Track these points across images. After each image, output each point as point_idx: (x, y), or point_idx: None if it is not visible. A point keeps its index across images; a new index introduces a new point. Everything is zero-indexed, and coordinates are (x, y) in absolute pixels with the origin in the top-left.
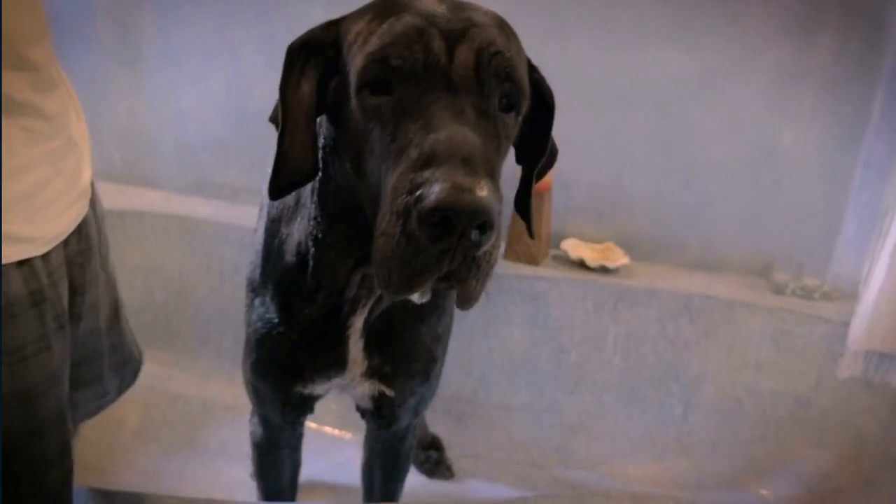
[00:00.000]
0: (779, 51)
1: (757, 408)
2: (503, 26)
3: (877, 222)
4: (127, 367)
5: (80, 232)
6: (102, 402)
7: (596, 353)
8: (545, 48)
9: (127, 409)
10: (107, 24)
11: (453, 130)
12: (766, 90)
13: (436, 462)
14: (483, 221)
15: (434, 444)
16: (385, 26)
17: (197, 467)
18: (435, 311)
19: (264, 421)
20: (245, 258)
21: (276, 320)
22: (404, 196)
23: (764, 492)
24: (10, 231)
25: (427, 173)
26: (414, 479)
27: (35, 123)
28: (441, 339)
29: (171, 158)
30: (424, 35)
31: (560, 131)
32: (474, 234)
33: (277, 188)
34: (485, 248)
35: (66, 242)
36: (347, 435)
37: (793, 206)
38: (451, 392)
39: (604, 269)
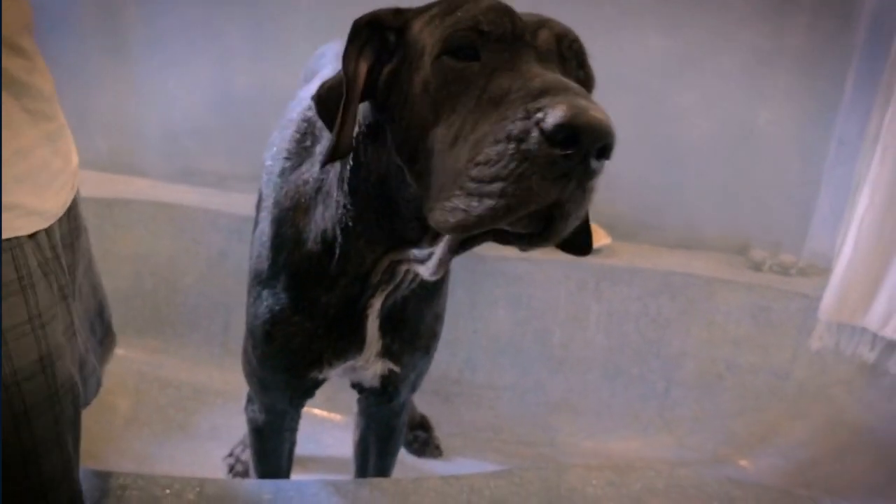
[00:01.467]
0: (753, 32)
1: (736, 382)
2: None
3: (850, 198)
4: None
5: (70, 212)
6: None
7: (579, 332)
8: None
9: (118, 395)
10: (91, 12)
11: (559, 78)
12: (741, 71)
13: (424, 442)
14: (606, 144)
15: (422, 425)
16: (467, 6)
17: (189, 452)
18: (437, 290)
19: (268, 408)
20: (233, 245)
21: (289, 310)
22: (521, 121)
23: (743, 462)
24: (24, 203)
25: (545, 101)
26: (403, 459)
27: (37, 105)
28: (440, 317)
29: (157, 146)
30: (510, 12)
31: None
32: (594, 160)
33: (334, 159)
34: (599, 176)
35: (59, 220)
36: (337, 417)
37: (769, 185)
38: (438, 372)
39: None
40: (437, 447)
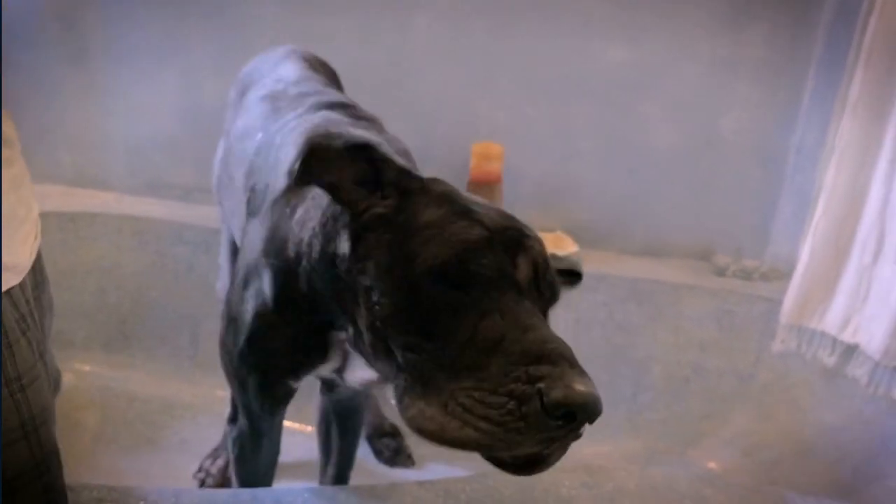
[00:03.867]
0: (714, 42)
1: (702, 385)
2: (541, 240)
3: (809, 205)
4: None
5: (35, 263)
6: None
7: None
8: (490, 44)
9: (85, 412)
10: (52, 23)
11: (548, 332)
12: (703, 80)
13: (395, 450)
14: (596, 416)
15: (392, 433)
16: (459, 228)
17: (159, 466)
18: None
19: (246, 412)
20: (199, 258)
21: (273, 307)
22: (523, 384)
23: (711, 464)
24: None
25: (545, 369)
26: (375, 469)
27: (5, 152)
28: None
29: (122, 159)
30: (494, 246)
31: (508, 124)
32: (582, 428)
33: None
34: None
35: (28, 273)
36: (308, 428)
37: (731, 192)
38: None
39: (554, 258)
40: (409, 456)
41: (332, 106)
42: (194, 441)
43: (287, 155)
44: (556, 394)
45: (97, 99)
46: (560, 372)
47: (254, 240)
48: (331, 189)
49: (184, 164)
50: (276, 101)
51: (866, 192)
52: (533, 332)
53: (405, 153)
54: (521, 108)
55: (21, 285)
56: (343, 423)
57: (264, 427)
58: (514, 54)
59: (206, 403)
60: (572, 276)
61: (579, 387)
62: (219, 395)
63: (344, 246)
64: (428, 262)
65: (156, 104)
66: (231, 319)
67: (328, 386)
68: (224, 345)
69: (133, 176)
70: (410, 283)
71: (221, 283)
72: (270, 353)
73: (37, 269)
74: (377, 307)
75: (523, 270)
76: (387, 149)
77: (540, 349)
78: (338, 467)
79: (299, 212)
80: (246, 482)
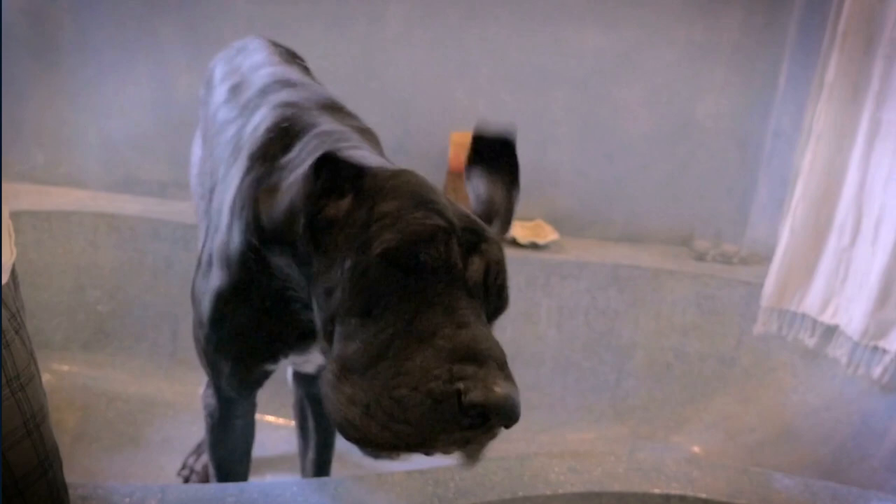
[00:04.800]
0: (689, 27)
1: (685, 370)
2: (501, 246)
3: (787, 188)
4: None
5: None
6: None
7: (530, 327)
8: (465, 32)
9: (65, 411)
10: (18, 18)
11: (482, 332)
12: (679, 65)
13: None
14: (513, 421)
15: None
16: (414, 218)
17: (142, 465)
18: None
19: (219, 392)
20: (177, 253)
21: (238, 292)
22: (443, 383)
23: (695, 448)
24: None
25: (470, 369)
26: (360, 462)
27: None
28: None
29: (95, 156)
30: (448, 239)
31: (487, 112)
32: (497, 428)
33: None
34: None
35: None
36: (281, 421)
37: (709, 177)
38: None
39: (534, 246)
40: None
41: (285, 105)
42: (176, 439)
43: (241, 163)
44: (474, 395)
45: (69, 96)
46: (483, 373)
47: (218, 229)
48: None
49: (158, 159)
50: (236, 105)
51: (843, 174)
52: (467, 330)
53: (366, 131)
54: (498, 97)
55: (8, 285)
56: (318, 410)
57: (237, 407)
58: (489, 42)
59: (188, 401)
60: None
61: (498, 389)
62: (200, 391)
63: (301, 247)
64: (380, 247)
65: (128, 100)
66: (196, 305)
67: (299, 374)
68: (196, 329)
69: (107, 173)
70: (363, 270)
71: None
72: (234, 338)
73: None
74: (332, 300)
75: (475, 271)
76: (345, 153)
77: (469, 348)
78: (317, 453)
79: None
80: (221, 465)
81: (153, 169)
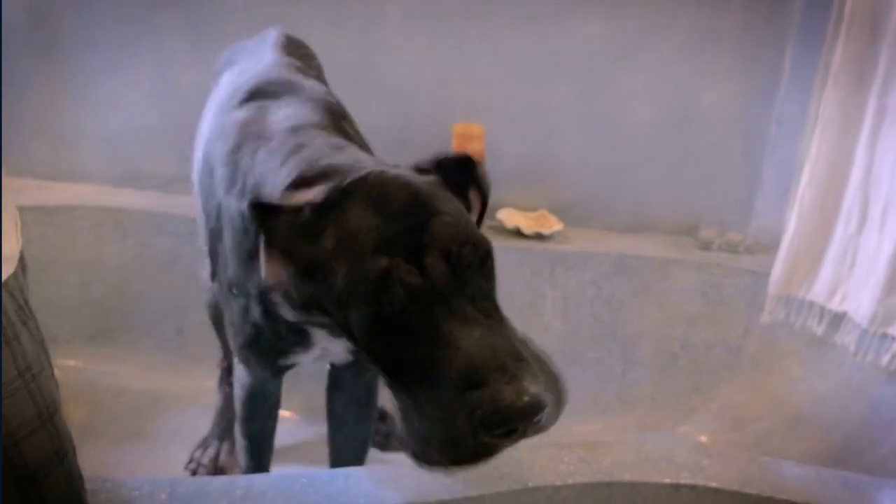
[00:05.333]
0: (692, 14)
1: (691, 359)
2: (449, 200)
3: (792, 176)
4: None
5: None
6: None
7: (535, 318)
8: (466, 22)
9: (72, 406)
10: (20, 14)
11: (469, 342)
12: (682, 53)
13: (386, 434)
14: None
15: (381, 416)
16: (363, 265)
17: (149, 458)
18: None
19: (250, 369)
20: (182, 248)
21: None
22: (462, 422)
23: (703, 438)
24: None
25: (475, 396)
26: (370, 455)
27: None
28: None
29: (99, 150)
30: (397, 272)
31: (489, 103)
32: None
33: None
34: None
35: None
36: (286, 414)
37: (713, 165)
38: None
39: (539, 236)
40: (400, 439)
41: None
42: (183, 432)
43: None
44: (493, 419)
45: (72, 90)
46: (491, 392)
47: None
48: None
49: (162, 153)
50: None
51: (850, 160)
52: (454, 351)
53: (333, 106)
54: (499, 87)
55: (15, 275)
56: (362, 412)
57: (269, 386)
58: (490, 32)
59: (194, 394)
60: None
61: (515, 399)
62: (206, 385)
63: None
64: (343, 283)
65: (131, 94)
66: (224, 302)
67: (338, 375)
68: (230, 324)
69: (111, 167)
70: (352, 284)
71: (207, 272)
72: (262, 334)
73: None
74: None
75: (436, 269)
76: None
77: (467, 371)
78: (354, 438)
79: None
80: (252, 436)
81: (157, 163)
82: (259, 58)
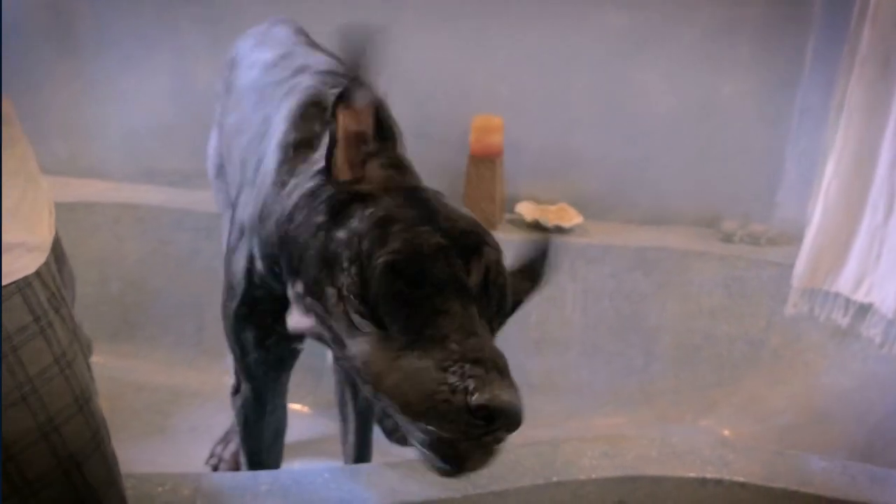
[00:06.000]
0: (712, 4)
1: (713, 353)
2: (499, 247)
3: (815, 167)
4: None
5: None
6: None
7: (556, 312)
8: (485, 15)
9: None
10: (39, 12)
11: (487, 341)
12: (702, 44)
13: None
14: (516, 426)
15: None
16: (409, 237)
17: (170, 454)
18: None
19: (250, 376)
20: (201, 243)
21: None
22: (456, 378)
23: (725, 432)
24: (25, 239)
25: (478, 370)
26: (389, 448)
27: (5, 132)
28: None
29: (117, 146)
30: (447, 253)
31: (508, 96)
32: (502, 433)
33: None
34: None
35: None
36: (297, 407)
37: (735, 156)
38: None
39: (559, 229)
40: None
41: (321, 73)
42: (203, 428)
43: (278, 127)
44: (481, 396)
45: (89, 87)
46: (490, 378)
47: (245, 207)
48: (342, 141)
49: (180, 149)
50: (262, 89)
51: (876, 150)
52: (474, 339)
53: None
54: (518, 80)
55: (47, 263)
56: (356, 393)
57: (267, 392)
58: (509, 24)
59: (214, 390)
60: (532, 275)
61: (504, 395)
62: (226, 381)
63: (321, 216)
64: (388, 258)
65: (149, 90)
66: (227, 280)
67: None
68: (224, 307)
69: (129, 163)
70: (372, 268)
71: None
72: (263, 313)
73: (55, 244)
74: (344, 275)
75: (475, 276)
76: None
77: (477, 354)
78: (357, 436)
79: (290, 184)
80: (253, 452)
81: (175, 159)
82: (274, 44)
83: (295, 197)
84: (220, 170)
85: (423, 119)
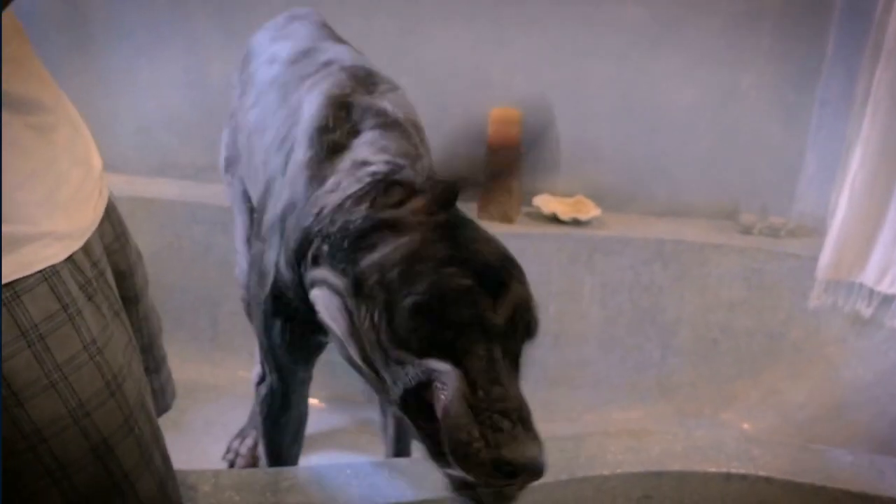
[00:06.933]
0: None
1: (732, 346)
2: (526, 280)
3: (836, 158)
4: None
5: (110, 217)
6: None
7: (574, 305)
8: (504, 7)
9: None
10: (53, 4)
11: (512, 390)
12: (721, 35)
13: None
14: (538, 478)
15: None
16: (448, 275)
17: (184, 449)
18: None
19: (277, 365)
20: (216, 237)
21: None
22: (486, 428)
23: (745, 426)
24: (52, 229)
25: (506, 423)
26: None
27: (41, 118)
28: None
29: (130, 140)
30: (474, 295)
31: (524, 87)
32: (525, 482)
33: None
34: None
35: (101, 232)
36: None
37: (754, 148)
38: None
39: (576, 222)
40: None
41: (347, 70)
42: (219, 423)
43: (309, 113)
44: (507, 452)
45: (102, 80)
46: (515, 432)
47: (278, 199)
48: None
49: (193, 143)
50: (285, 84)
51: None
52: (499, 388)
53: (418, 127)
54: (536, 71)
55: (86, 248)
56: None
57: (293, 382)
58: (526, 16)
59: (229, 385)
60: None
61: (528, 452)
62: (241, 375)
63: (359, 227)
64: (414, 297)
65: (162, 84)
66: (255, 269)
67: None
68: (253, 296)
69: (142, 157)
70: (401, 309)
71: (240, 269)
72: (291, 302)
73: (114, 221)
74: (370, 298)
75: (503, 313)
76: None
77: (503, 405)
78: (396, 428)
79: (330, 182)
80: (274, 443)
81: (188, 152)
82: (293, 38)
83: (336, 197)
84: (231, 163)
85: (441, 112)
